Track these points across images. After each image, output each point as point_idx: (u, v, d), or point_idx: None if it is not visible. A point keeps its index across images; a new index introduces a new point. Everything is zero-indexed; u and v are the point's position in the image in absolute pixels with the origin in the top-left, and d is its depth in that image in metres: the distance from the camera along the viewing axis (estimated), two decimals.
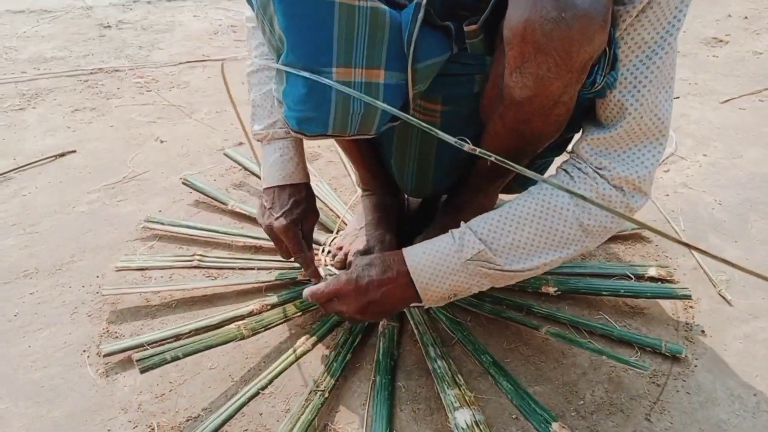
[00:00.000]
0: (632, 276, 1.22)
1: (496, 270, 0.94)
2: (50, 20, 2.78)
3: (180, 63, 2.33)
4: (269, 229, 1.13)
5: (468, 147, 0.81)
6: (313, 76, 0.89)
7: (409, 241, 1.14)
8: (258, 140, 1.17)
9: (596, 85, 0.86)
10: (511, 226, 0.94)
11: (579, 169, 0.94)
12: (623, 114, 0.90)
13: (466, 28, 0.92)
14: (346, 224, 1.43)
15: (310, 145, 1.77)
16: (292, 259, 1.15)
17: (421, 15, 0.90)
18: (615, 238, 1.36)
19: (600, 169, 0.93)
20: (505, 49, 0.85)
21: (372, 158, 1.30)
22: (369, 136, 0.97)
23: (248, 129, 1.20)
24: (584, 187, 0.93)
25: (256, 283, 1.23)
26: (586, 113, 0.98)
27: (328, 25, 0.87)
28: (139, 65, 2.31)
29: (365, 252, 1.26)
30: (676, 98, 2.03)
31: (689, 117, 1.91)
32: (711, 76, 2.20)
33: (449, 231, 0.98)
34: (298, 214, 1.13)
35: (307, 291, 1.03)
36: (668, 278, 1.23)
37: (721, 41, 2.53)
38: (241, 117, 1.31)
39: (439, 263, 0.95)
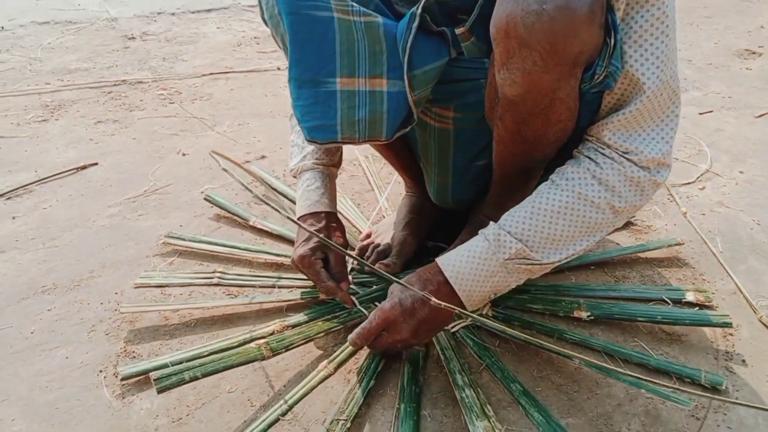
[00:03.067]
0: (669, 301, 1.16)
1: (535, 264, 0.94)
2: (75, 32, 2.80)
3: (203, 75, 2.33)
4: (292, 262, 1.12)
5: (433, 302, 0.83)
6: None
7: (431, 249, 1.19)
8: (293, 176, 1.21)
9: (596, 77, 0.84)
10: (545, 221, 0.93)
11: (604, 155, 0.92)
12: (640, 88, 0.88)
13: (457, 31, 0.93)
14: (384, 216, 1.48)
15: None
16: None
17: (415, 24, 0.92)
18: (650, 260, 1.31)
19: (626, 153, 0.91)
20: (493, 46, 0.86)
21: (411, 163, 1.32)
22: (382, 142, 0.99)
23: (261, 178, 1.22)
24: (612, 173, 0.91)
25: (277, 302, 1.19)
26: (596, 111, 0.94)
27: (329, 39, 0.92)
28: (163, 77, 2.30)
29: (384, 250, 1.28)
30: (709, 112, 1.97)
31: (723, 132, 1.85)
32: (745, 90, 2.13)
33: (480, 233, 0.97)
34: (317, 242, 1.10)
35: (353, 335, 1.01)
36: (707, 303, 1.17)
37: (754, 53, 2.46)
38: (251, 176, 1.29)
39: (478, 268, 0.95)
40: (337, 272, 1.12)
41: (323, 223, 1.15)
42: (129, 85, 2.25)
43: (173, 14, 2.97)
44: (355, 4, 0.93)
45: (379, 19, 0.94)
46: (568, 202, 0.92)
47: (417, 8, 0.92)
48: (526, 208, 0.94)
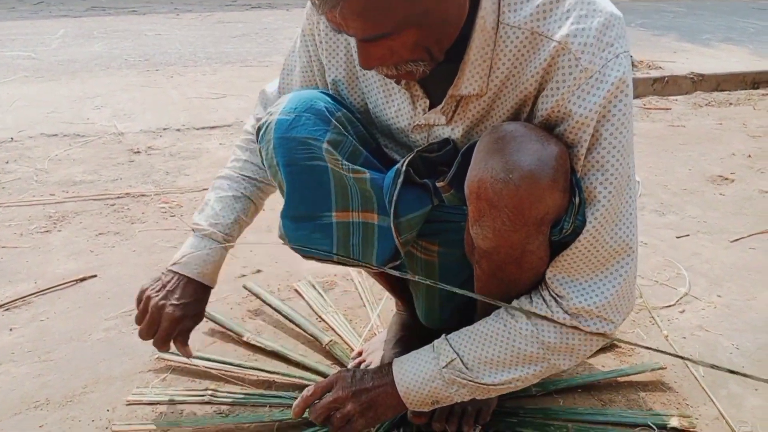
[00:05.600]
0: (654, 426, 1.18)
1: (470, 381, 1.00)
2: (82, 144, 2.93)
3: (204, 189, 2.42)
4: (158, 310, 1.17)
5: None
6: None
7: None
8: (193, 229, 1.23)
9: (564, 231, 0.91)
10: (480, 342, 1.01)
11: (540, 295, 1.00)
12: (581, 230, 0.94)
13: (437, 184, 1.03)
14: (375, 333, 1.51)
15: (326, 273, 1.79)
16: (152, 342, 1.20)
17: (400, 180, 1.03)
18: (635, 384, 1.34)
19: (559, 297, 0.97)
20: (467, 203, 0.94)
21: (402, 285, 1.38)
22: (374, 269, 1.09)
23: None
24: (539, 312, 0.98)
25: (269, 422, 1.20)
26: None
27: (325, 183, 1.04)
28: (165, 190, 2.40)
29: None
30: (686, 236, 2.07)
31: (701, 256, 1.94)
32: (720, 215, 2.25)
33: (434, 341, 1.06)
34: (191, 311, 1.20)
35: (302, 394, 1.09)
36: (690, 429, 1.19)
37: (726, 179, 2.61)
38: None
39: (419, 369, 1.04)
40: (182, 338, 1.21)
41: (204, 298, 1.25)
42: (132, 198, 2.33)
43: (178, 130, 3.12)
44: (345, 162, 1.03)
45: (367, 174, 1.05)
46: (500, 329, 1.00)
47: (402, 165, 1.02)
48: (471, 328, 1.03)
